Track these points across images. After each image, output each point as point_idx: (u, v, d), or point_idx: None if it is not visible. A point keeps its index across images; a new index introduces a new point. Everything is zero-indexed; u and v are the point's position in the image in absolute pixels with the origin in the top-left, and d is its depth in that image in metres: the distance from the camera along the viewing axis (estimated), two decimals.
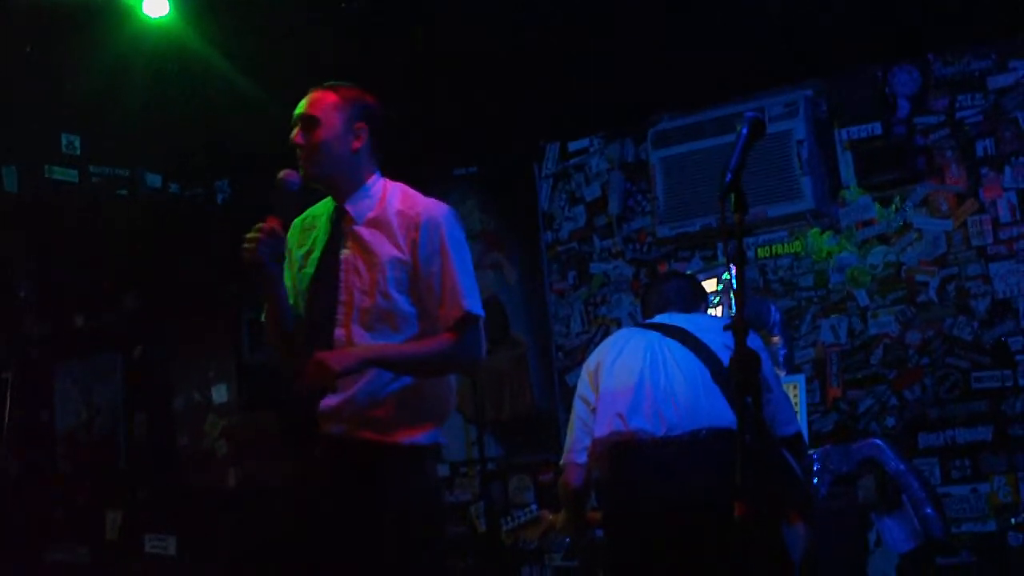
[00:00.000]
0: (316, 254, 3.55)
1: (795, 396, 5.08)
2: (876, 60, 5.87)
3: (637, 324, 4.25)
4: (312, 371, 3.22)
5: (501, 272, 6.99)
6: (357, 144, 3.51)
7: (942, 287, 5.66)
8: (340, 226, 3.52)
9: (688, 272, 5.84)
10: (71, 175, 6.50)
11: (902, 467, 4.96)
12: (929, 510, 4.89)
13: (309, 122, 3.49)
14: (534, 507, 4.47)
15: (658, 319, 4.08)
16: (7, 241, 6.24)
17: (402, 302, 3.40)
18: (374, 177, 3.55)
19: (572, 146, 6.86)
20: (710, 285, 5.46)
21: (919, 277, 5.73)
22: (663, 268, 6.37)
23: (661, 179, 6.22)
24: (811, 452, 4.70)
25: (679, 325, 3.95)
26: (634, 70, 5.96)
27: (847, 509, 5.00)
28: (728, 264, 5.79)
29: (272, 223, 3.43)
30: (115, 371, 7.96)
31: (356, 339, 3.39)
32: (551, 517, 4.41)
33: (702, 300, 4.30)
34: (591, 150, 6.78)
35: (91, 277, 7.13)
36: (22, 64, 5.53)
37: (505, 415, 6.87)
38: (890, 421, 5.71)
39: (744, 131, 2.92)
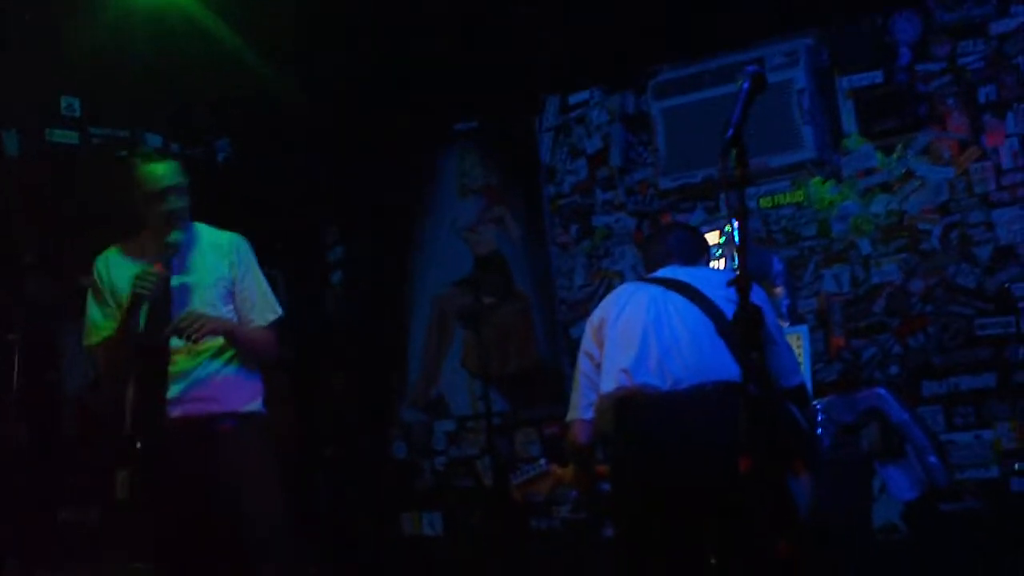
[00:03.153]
0: None
1: (799, 347, 5.08)
2: (876, 7, 5.83)
3: (640, 278, 4.25)
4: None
5: (503, 226, 6.99)
6: None
7: (945, 235, 5.66)
8: None
9: (691, 224, 5.83)
10: (72, 137, 6.47)
11: (905, 416, 4.98)
12: (932, 458, 4.92)
13: None
14: (543, 461, 4.49)
15: (661, 273, 4.07)
16: (9, 205, 6.22)
17: None
18: None
19: (572, 99, 6.83)
20: (713, 237, 5.45)
21: (922, 225, 5.73)
22: (666, 220, 6.35)
23: (662, 130, 6.21)
24: (815, 403, 4.71)
25: (682, 279, 3.95)
26: (633, 20, 5.93)
27: (852, 459, 5.02)
28: (730, 217, 5.78)
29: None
30: None
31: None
32: (559, 471, 4.44)
33: (704, 252, 4.29)
34: (591, 102, 6.75)
35: (93, 238, 7.12)
36: (21, 27, 5.50)
37: (510, 369, 6.89)
38: (893, 369, 5.73)
39: (745, 85, 2.90)
